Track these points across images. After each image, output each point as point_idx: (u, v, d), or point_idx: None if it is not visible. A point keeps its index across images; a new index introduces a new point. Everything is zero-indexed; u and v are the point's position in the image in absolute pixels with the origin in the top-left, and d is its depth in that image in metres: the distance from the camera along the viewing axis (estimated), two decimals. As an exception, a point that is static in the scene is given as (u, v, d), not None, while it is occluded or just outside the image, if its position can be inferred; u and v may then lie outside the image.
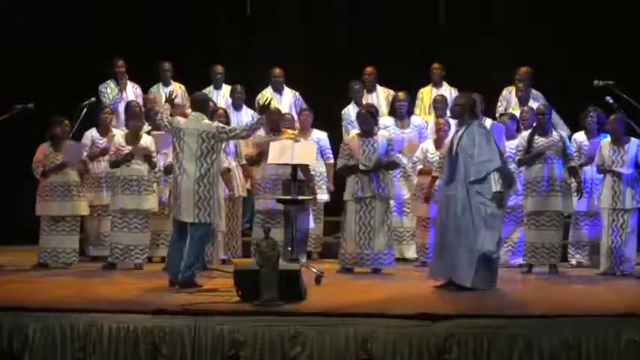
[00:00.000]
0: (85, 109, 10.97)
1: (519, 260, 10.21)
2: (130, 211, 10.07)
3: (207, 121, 8.68)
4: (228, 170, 10.29)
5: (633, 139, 9.70)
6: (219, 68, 11.89)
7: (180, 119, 8.75)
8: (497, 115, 11.39)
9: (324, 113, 11.60)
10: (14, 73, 12.04)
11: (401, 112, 10.96)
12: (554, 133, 9.91)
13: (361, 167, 9.78)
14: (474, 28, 12.64)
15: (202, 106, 8.80)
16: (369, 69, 11.76)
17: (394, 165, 9.99)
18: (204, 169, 8.52)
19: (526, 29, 12.46)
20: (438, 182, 10.01)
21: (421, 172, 10.49)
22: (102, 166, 10.66)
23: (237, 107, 11.46)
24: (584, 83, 9.98)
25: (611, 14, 12.21)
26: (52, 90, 11.73)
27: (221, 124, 8.80)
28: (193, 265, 8.47)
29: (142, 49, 12.25)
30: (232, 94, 11.58)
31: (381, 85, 11.80)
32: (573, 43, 12.22)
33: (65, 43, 12.44)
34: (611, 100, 9.59)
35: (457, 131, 8.58)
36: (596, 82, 9.59)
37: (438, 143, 10.43)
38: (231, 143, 10.46)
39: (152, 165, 10.16)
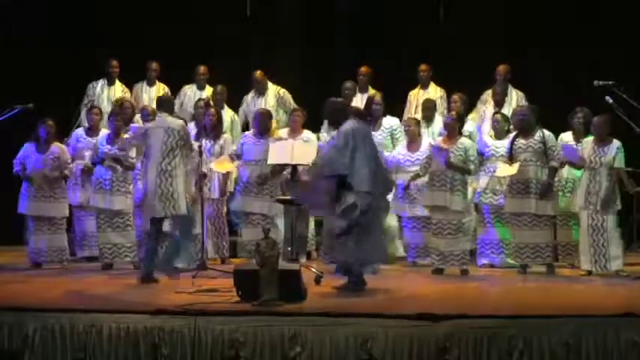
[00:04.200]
0: (84, 110, 10.96)
1: (509, 261, 10.19)
2: (106, 210, 10.08)
3: (171, 118, 8.90)
4: (205, 175, 10.20)
5: (615, 141, 9.67)
6: (203, 69, 11.90)
7: (147, 124, 8.93)
8: (472, 115, 11.39)
9: (322, 114, 11.59)
10: (14, 73, 12.04)
11: (376, 115, 10.91)
12: (537, 134, 9.88)
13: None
14: (473, 28, 12.63)
15: (168, 105, 9.09)
16: (363, 69, 11.75)
17: None
18: (164, 164, 8.77)
19: (525, 29, 12.45)
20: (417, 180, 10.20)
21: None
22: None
23: (218, 107, 11.42)
24: (583, 83, 9.98)
25: (610, 14, 12.22)
26: (52, 90, 11.73)
27: (186, 128, 9.00)
28: (172, 255, 8.91)
29: (142, 49, 12.25)
30: (214, 94, 11.56)
31: (374, 87, 11.78)
32: (573, 43, 12.22)
33: (65, 43, 12.44)
34: (610, 101, 9.57)
35: None
36: (596, 82, 9.58)
37: (410, 146, 10.51)
38: (217, 144, 10.48)
39: (125, 167, 10.10)
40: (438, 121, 11.01)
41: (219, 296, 7.73)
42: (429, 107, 11.16)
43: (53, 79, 12.09)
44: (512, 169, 9.75)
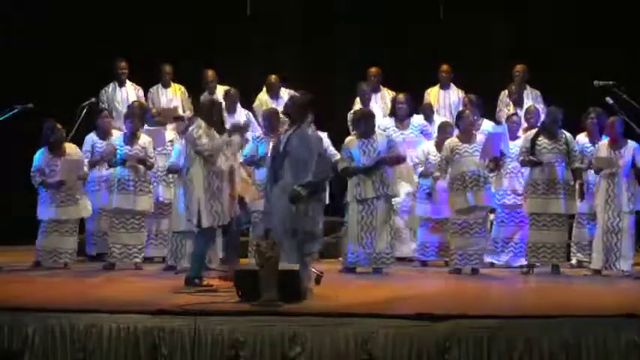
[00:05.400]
0: (85, 110, 10.98)
1: (522, 261, 10.19)
2: (125, 210, 10.08)
3: (192, 126, 8.80)
4: (232, 171, 10.27)
5: (630, 142, 9.68)
6: (210, 74, 11.89)
7: None
8: (497, 117, 11.40)
9: (323, 113, 11.58)
10: (14, 73, 12.04)
11: (400, 114, 10.99)
12: (560, 135, 9.89)
13: (361, 166, 9.79)
14: (473, 27, 12.64)
15: (202, 110, 8.93)
16: (373, 69, 11.77)
17: (400, 158, 9.92)
18: (186, 177, 8.73)
19: (526, 28, 12.46)
20: (438, 182, 10.24)
21: (422, 174, 10.51)
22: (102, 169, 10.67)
23: (230, 110, 11.41)
24: (584, 83, 9.98)
25: (611, 13, 12.22)
26: (52, 90, 11.74)
27: (197, 134, 8.65)
28: (193, 264, 8.66)
29: (142, 49, 12.26)
30: (226, 96, 11.55)
31: (384, 86, 11.80)
32: (573, 42, 12.23)
33: (65, 43, 12.44)
34: (611, 101, 9.57)
35: (287, 131, 8.36)
36: (596, 82, 9.58)
37: (440, 145, 10.44)
38: None
39: (147, 167, 10.17)
40: (436, 123, 11.04)
41: (219, 296, 7.73)
42: (427, 109, 11.19)
43: (53, 79, 12.09)
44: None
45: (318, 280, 8.71)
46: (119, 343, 6.67)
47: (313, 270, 8.82)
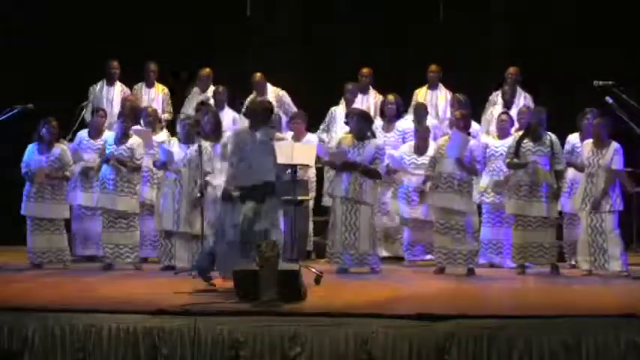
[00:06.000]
0: (84, 110, 10.97)
1: (510, 263, 10.19)
2: (108, 210, 10.10)
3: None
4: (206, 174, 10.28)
5: (613, 144, 9.67)
6: (206, 72, 11.87)
7: None
8: (483, 118, 11.40)
9: (323, 114, 11.61)
10: (14, 73, 12.04)
11: (389, 114, 10.98)
12: (545, 137, 9.87)
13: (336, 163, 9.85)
14: (473, 27, 12.65)
15: (252, 111, 8.80)
16: (365, 70, 11.77)
17: (374, 174, 9.84)
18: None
19: (526, 29, 12.46)
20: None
21: (390, 172, 10.57)
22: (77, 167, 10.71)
23: (219, 107, 11.40)
24: (584, 83, 9.98)
25: (611, 13, 12.22)
26: (52, 90, 11.73)
27: (229, 147, 8.64)
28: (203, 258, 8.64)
29: (141, 49, 12.26)
30: (214, 94, 11.54)
31: (375, 88, 11.79)
32: (573, 42, 12.23)
33: (65, 43, 12.44)
34: (610, 101, 9.56)
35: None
36: (596, 82, 9.57)
37: (419, 148, 10.49)
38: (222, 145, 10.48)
39: (128, 168, 10.11)
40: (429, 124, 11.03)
41: (219, 296, 7.73)
42: (420, 109, 11.19)
43: (53, 79, 12.09)
44: None
45: (317, 280, 8.73)
46: (119, 343, 6.67)
47: (313, 270, 8.86)
